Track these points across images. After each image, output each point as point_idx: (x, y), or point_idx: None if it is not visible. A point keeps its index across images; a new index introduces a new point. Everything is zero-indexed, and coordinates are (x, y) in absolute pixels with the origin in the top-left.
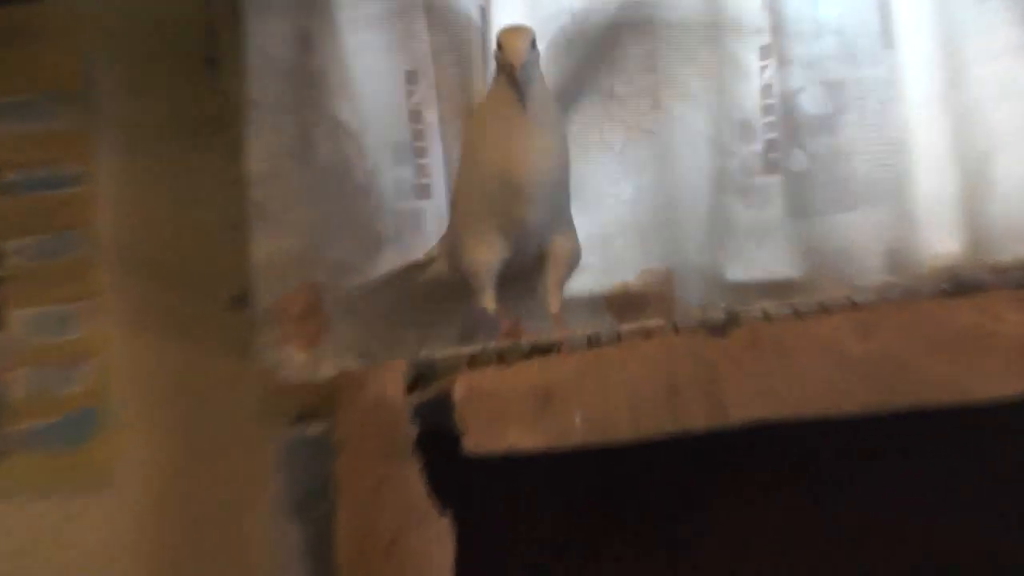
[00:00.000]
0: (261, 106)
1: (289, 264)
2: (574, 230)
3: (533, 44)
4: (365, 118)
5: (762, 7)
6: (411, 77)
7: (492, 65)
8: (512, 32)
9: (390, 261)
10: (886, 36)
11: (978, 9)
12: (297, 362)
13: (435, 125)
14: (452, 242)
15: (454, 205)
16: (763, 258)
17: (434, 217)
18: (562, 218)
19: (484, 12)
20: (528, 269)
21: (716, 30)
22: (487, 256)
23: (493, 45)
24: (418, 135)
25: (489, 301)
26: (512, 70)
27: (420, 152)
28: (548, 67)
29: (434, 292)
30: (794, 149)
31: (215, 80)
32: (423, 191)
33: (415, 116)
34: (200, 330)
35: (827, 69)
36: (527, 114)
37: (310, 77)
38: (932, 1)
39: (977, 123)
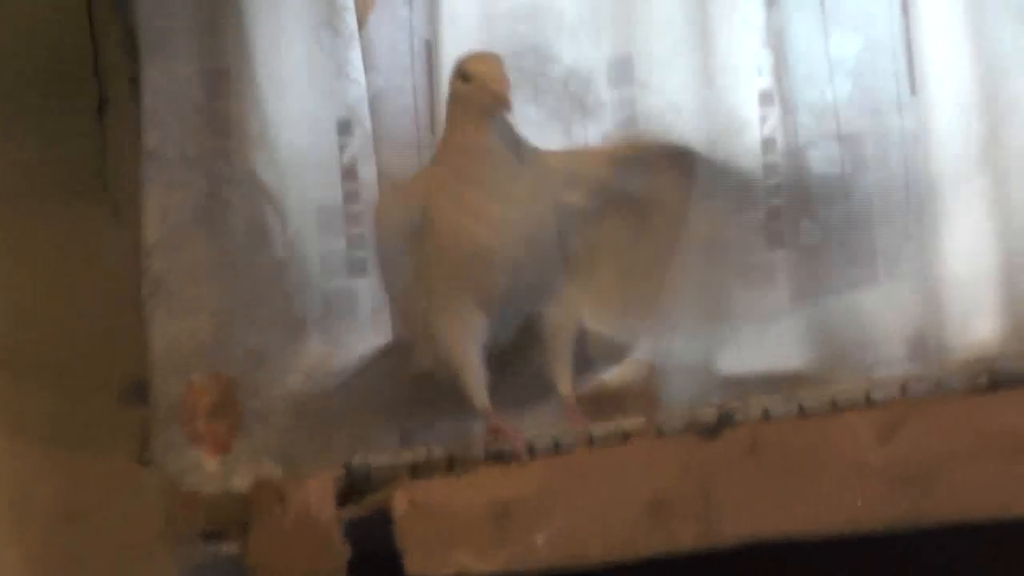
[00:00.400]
0: (160, 159)
1: (193, 352)
2: (568, 294)
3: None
4: (287, 175)
5: (762, 44)
6: (344, 127)
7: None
8: (484, 59)
9: (315, 351)
10: (912, 79)
11: None
12: (205, 469)
13: (373, 185)
14: (423, 328)
15: (417, 281)
16: (765, 347)
17: (370, 298)
18: (554, 283)
19: (431, 47)
20: (516, 349)
21: (704, 73)
22: (467, 339)
23: (445, 86)
24: (352, 197)
25: (478, 395)
26: (496, 103)
27: (354, 218)
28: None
29: (421, 388)
30: (803, 218)
31: (107, 129)
32: (358, 266)
33: (349, 174)
34: (87, 432)
35: (841, 120)
36: (499, 156)
37: (221, 125)
38: (971, 36)
39: (1022, 185)
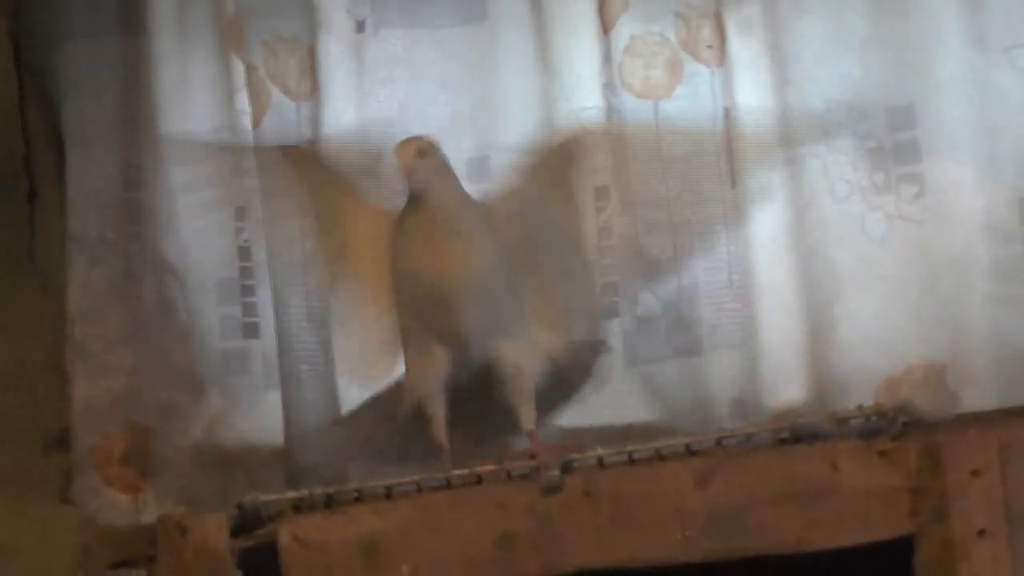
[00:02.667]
0: (82, 241)
1: (109, 406)
2: (524, 338)
3: (422, 153)
4: (191, 255)
5: (604, 148)
6: (240, 213)
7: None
8: (401, 144)
9: (215, 404)
10: (732, 175)
11: (827, 147)
12: (118, 506)
13: (264, 263)
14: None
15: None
16: (602, 404)
17: (261, 357)
18: (504, 326)
19: (313, 146)
20: (477, 386)
21: (550, 172)
22: (427, 375)
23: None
24: (246, 272)
25: (437, 431)
26: (403, 179)
27: (248, 291)
28: None
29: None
30: (639, 292)
31: (37, 212)
32: (251, 330)
33: (244, 253)
34: (15, 476)
35: (671, 211)
36: (432, 222)
37: (135, 212)
38: (780, 140)
39: (821, 265)
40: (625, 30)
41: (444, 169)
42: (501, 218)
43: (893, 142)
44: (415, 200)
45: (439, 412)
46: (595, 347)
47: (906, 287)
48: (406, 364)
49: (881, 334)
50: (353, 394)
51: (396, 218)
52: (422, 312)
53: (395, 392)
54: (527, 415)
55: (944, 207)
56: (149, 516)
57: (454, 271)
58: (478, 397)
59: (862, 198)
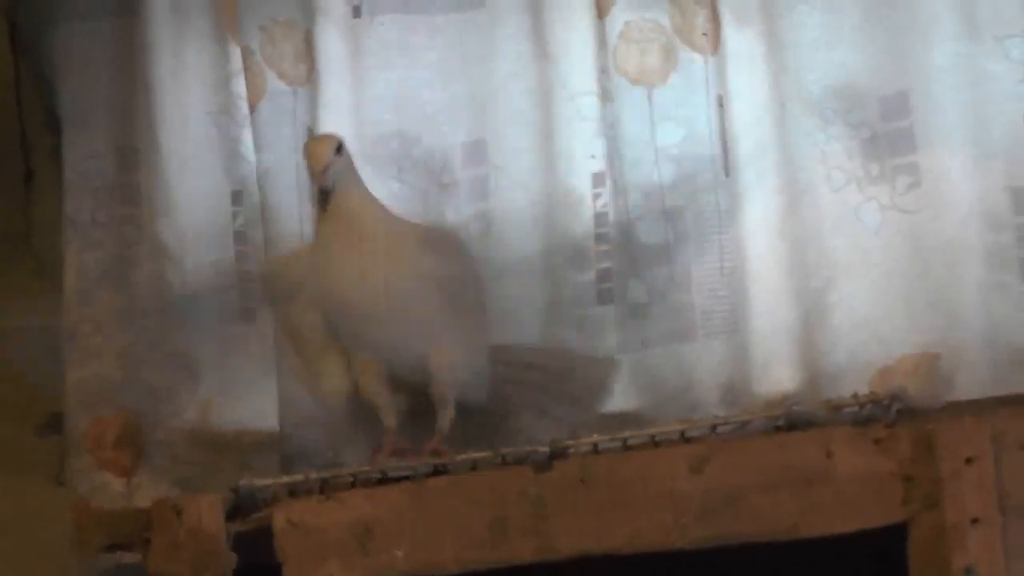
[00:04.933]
0: (77, 224)
1: (103, 389)
2: (457, 343)
3: (338, 151)
4: (187, 238)
5: (596, 134)
6: (237, 197)
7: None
8: (314, 139)
9: (209, 387)
10: (726, 163)
11: (823, 136)
12: (111, 489)
13: (261, 247)
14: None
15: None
16: None
17: (257, 341)
18: (431, 332)
19: (310, 133)
20: (418, 390)
21: (547, 157)
22: (370, 377)
23: None
24: (243, 257)
25: (386, 415)
26: (312, 176)
27: (245, 274)
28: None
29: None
30: (631, 279)
31: (32, 195)
32: (248, 315)
33: (240, 237)
34: (10, 456)
35: (665, 198)
36: (340, 224)
37: (130, 195)
38: (774, 128)
39: (815, 254)
40: (620, 16)
41: (353, 168)
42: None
43: (887, 131)
44: (326, 199)
45: (386, 404)
46: (605, 364)
47: (899, 275)
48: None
49: (874, 322)
50: None
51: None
52: (337, 323)
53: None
54: (442, 417)
55: (937, 195)
56: (142, 499)
57: (362, 281)
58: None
59: (857, 188)
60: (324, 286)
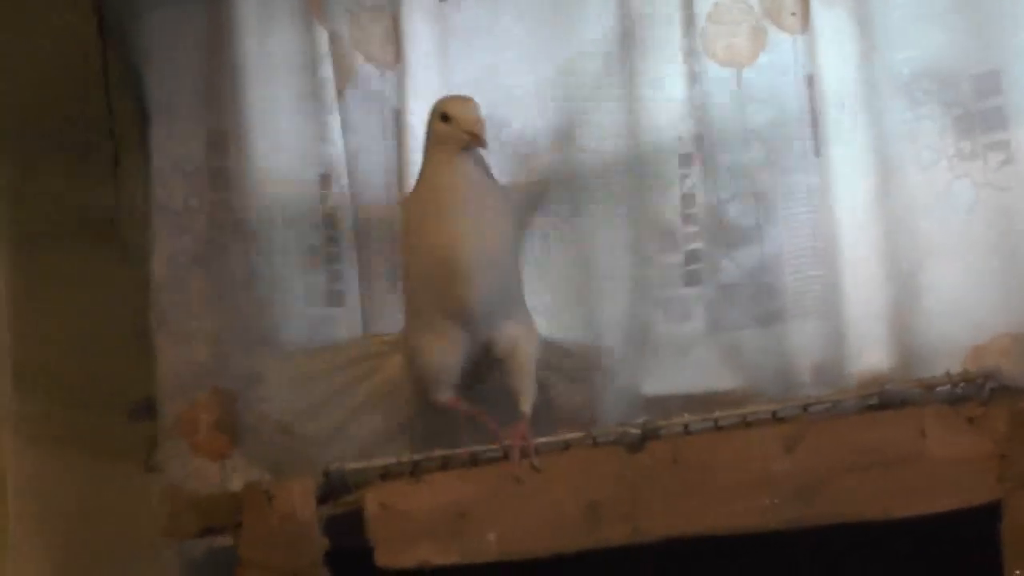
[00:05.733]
0: (166, 209)
1: (195, 373)
2: (530, 318)
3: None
4: (276, 222)
5: (686, 116)
6: (324, 181)
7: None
8: (461, 102)
9: (300, 372)
10: (816, 143)
11: (913, 115)
12: (204, 474)
13: (349, 230)
14: (406, 344)
15: (405, 304)
16: (684, 372)
17: (347, 324)
18: (512, 305)
19: (399, 115)
20: (479, 364)
21: (634, 139)
22: (443, 352)
23: (411, 150)
24: (331, 240)
25: (442, 388)
26: (472, 140)
27: (333, 257)
28: None
29: (385, 398)
30: (721, 260)
31: (120, 181)
32: (336, 298)
33: (328, 220)
34: (100, 442)
35: (755, 179)
36: (471, 183)
37: (220, 180)
38: (864, 107)
39: (906, 234)
40: None
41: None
42: (520, 201)
43: (979, 109)
44: (455, 160)
45: (448, 373)
46: (602, 352)
47: (992, 255)
48: (415, 338)
49: (967, 303)
50: None
51: (419, 186)
52: (442, 287)
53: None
54: (525, 398)
55: None
56: (236, 483)
57: (478, 242)
58: (478, 379)
59: (948, 166)
60: (437, 236)
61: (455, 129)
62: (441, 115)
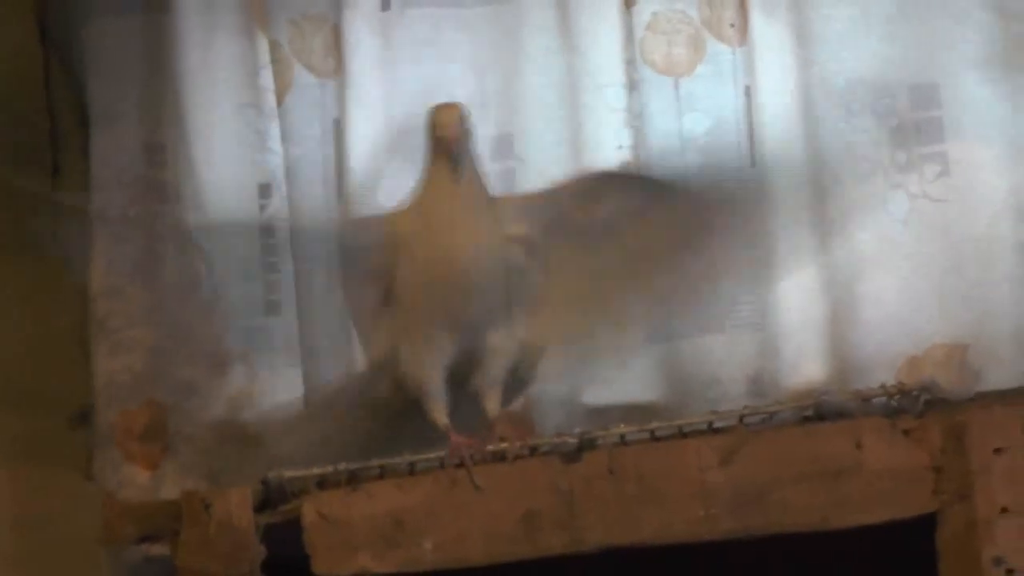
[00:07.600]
0: (106, 218)
1: (131, 383)
2: (513, 325)
3: (464, 120)
4: (214, 231)
5: (623, 124)
6: (264, 190)
7: (349, 180)
8: (444, 108)
9: (237, 381)
10: (752, 153)
11: (848, 126)
12: (138, 483)
13: (287, 240)
14: (392, 354)
15: (395, 312)
16: (623, 381)
17: (283, 334)
18: (501, 311)
19: (339, 124)
20: (469, 371)
21: (573, 148)
22: (432, 362)
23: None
24: (269, 250)
25: (439, 414)
26: (447, 144)
27: (271, 267)
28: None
29: (377, 412)
30: None
31: (61, 190)
32: (273, 307)
33: (267, 231)
34: (39, 450)
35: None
36: (463, 194)
37: (159, 189)
38: (802, 118)
39: (842, 244)
40: (647, 7)
41: (472, 141)
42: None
43: (916, 120)
44: (445, 169)
45: (441, 396)
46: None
47: (928, 266)
48: (404, 348)
49: (903, 314)
50: None
51: (416, 194)
52: (437, 296)
53: (370, 380)
54: (493, 402)
55: (967, 187)
56: (167, 493)
57: (478, 250)
58: (457, 383)
59: (884, 177)
60: (434, 249)
61: (434, 135)
62: (430, 120)
